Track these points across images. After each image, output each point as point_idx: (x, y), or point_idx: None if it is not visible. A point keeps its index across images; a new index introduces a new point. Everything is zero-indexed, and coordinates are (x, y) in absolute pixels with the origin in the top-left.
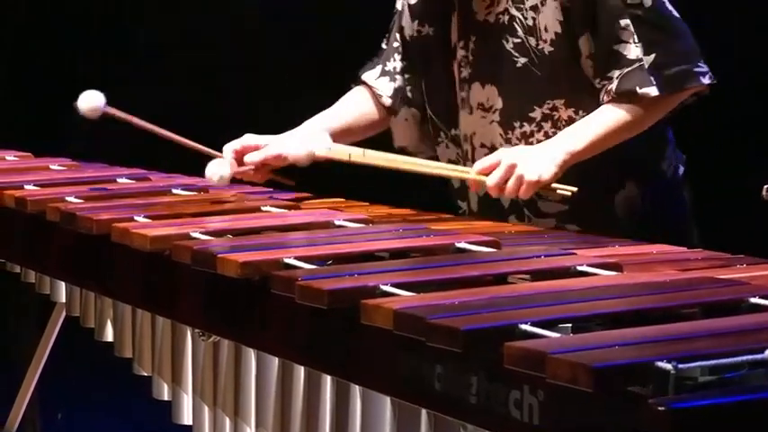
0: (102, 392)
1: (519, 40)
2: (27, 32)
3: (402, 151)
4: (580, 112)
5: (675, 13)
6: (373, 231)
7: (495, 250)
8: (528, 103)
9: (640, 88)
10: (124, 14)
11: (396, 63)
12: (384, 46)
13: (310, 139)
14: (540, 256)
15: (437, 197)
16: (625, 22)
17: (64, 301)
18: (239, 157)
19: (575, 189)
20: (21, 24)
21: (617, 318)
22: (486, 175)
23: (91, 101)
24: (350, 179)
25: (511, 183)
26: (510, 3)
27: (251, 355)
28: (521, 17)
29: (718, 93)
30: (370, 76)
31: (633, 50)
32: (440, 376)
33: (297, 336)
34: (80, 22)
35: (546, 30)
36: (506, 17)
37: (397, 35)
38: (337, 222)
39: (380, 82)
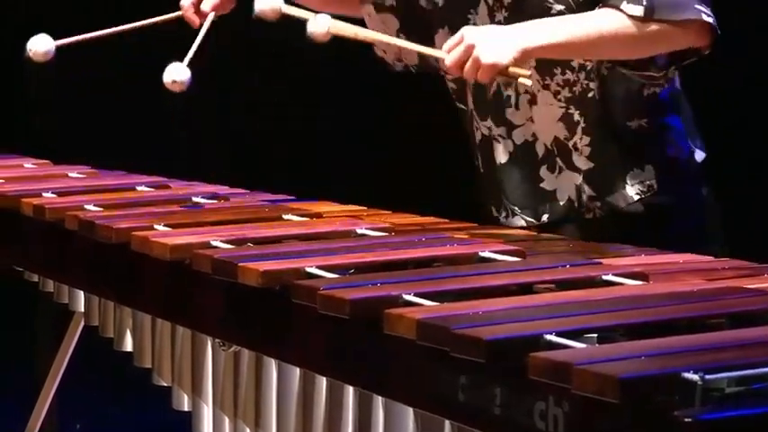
0: (121, 403)
1: None
2: None
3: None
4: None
5: None
6: (396, 240)
7: (519, 259)
8: None
9: (627, 2)
10: None
11: None
12: None
13: None
14: (565, 266)
15: (461, 205)
16: None
17: (82, 310)
18: (197, 7)
19: (529, 79)
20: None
21: (643, 328)
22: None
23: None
24: (371, 187)
25: (468, 65)
26: None
27: (272, 366)
28: None
29: (743, 87)
30: None
31: None
32: (464, 387)
33: (318, 346)
34: None
35: None
36: None
37: None
38: (359, 231)
39: None
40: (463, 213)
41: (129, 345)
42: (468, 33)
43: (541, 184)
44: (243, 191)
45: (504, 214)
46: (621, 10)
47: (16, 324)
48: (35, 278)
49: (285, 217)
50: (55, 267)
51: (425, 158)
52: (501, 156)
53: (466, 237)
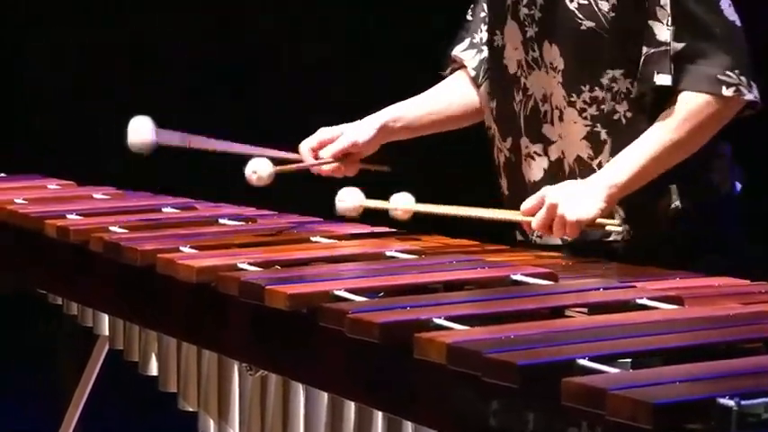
0: (146, 428)
1: (585, 2)
2: None
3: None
4: (634, 86)
5: (731, 17)
6: (426, 263)
7: (551, 283)
8: (595, 68)
9: (657, 73)
10: None
11: (483, 34)
12: (469, 17)
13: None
14: (598, 289)
15: (493, 228)
16: (665, 0)
17: (107, 333)
18: (316, 155)
19: (619, 227)
20: None
21: (678, 353)
22: (532, 215)
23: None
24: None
25: (555, 225)
26: None
27: (299, 390)
28: None
29: None
30: (459, 50)
31: (664, 32)
32: (495, 412)
33: (347, 370)
34: None
35: None
36: None
37: (484, 4)
38: (389, 253)
39: (467, 54)
40: (494, 236)
41: (154, 369)
42: (548, 194)
43: None
44: (270, 212)
45: (537, 233)
46: (655, 85)
47: (41, 348)
48: (59, 301)
49: (313, 239)
50: (79, 290)
51: (455, 179)
52: (536, 173)
53: (497, 259)
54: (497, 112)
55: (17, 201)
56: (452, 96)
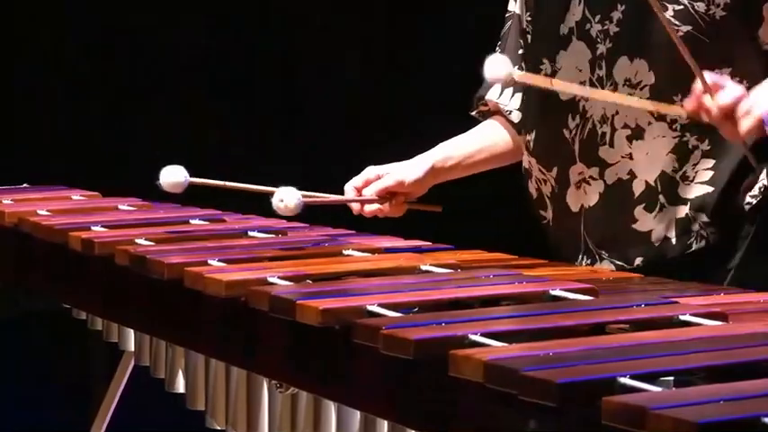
0: None
1: (681, 7)
2: None
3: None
4: (744, 83)
5: None
6: (462, 277)
7: (591, 298)
8: (688, 74)
9: None
10: None
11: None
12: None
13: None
14: (640, 305)
15: (530, 242)
16: None
17: (133, 349)
18: (360, 192)
19: None
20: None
21: (722, 371)
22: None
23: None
24: (436, 223)
25: (742, 111)
26: None
27: (331, 409)
28: None
29: None
30: (491, 94)
31: None
32: None
33: (380, 388)
34: None
35: None
36: None
37: (520, 40)
38: (424, 267)
39: (504, 96)
40: (532, 250)
41: (181, 386)
42: (729, 83)
43: (634, 225)
44: (301, 225)
45: (587, 261)
46: None
47: (68, 363)
48: (83, 315)
49: (345, 252)
50: (104, 305)
51: (491, 193)
52: (591, 198)
53: (535, 273)
54: (538, 143)
55: (40, 212)
56: (496, 135)
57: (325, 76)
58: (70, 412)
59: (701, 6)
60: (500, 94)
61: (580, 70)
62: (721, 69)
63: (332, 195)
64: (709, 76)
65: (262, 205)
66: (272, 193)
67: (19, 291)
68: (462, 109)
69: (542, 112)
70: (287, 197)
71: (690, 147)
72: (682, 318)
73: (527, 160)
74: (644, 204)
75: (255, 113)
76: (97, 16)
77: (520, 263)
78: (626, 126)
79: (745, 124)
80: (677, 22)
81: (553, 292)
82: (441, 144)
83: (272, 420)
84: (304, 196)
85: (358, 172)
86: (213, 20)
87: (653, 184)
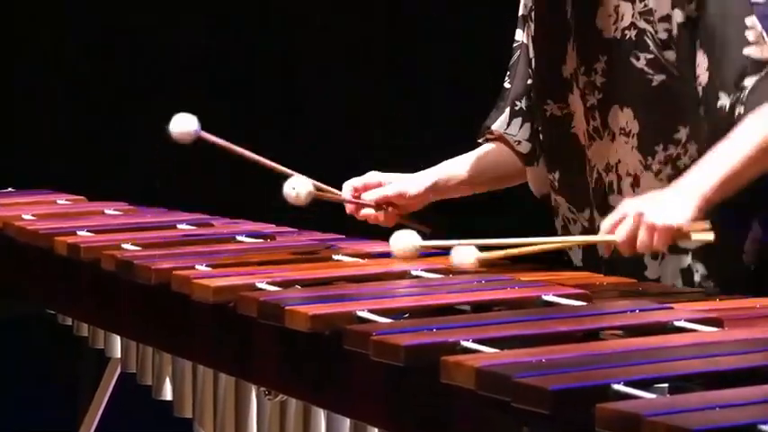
0: None
1: (652, 56)
2: None
3: (543, 198)
4: (696, 145)
5: None
6: (454, 282)
7: (585, 304)
8: (671, 123)
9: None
10: None
11: (529, 102)
12: (507, 85)
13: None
14: (633, 311)
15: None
16: (751, 20)
17: (119, 356)
18: (357, 195)
19: (711, 233)
20: None
21: (717, 377)
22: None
23: (184, 124)
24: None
25: (642, 234)
26: (637, 16)
27: (320, 416)
28: (651, 30)
29: None
30: (498, 124)
31: (765, 51)
32: None
33: (370, 395)
34: None
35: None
36: (634, 32)
37: (530, 70)
38: (414, 272)
39: (513, 126)
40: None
41: (168, 393)
42: (629, 205)
43: (645, 272)
44: (290, 229)
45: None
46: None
47: (55, 369)
48: (69, 321)
49: (335, 257)
50: (90, 310)
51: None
52: (601, 247)
53: (528, 279)
54: (563, 183)
55: (25, 217)
56: (500, 159)
57: (325, 76)
58: (70, 412)
59: (670, 55)
60: (507, 126)
61: (582, 119)
62: (679, 130)
63: (340, 192)
64: (604, 222)
65: (251, 208)
66: (282, 173)
67: (4, 296)
68: (462, 112)
69: (563, 151)
70: (299, 186)
71: None
72: (676, 323)
73: (554, 198)
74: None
75: (256, 113)
76: (97, 16)
77: (512, 267)
78: (628, 174)
79: (654, 242)
80: (651, 72)
81: (546, 298)
82: (445, 162)
83: (260, 428)
84: (315, 188)
85: (357, 172)
86: (213, 20)
87: None
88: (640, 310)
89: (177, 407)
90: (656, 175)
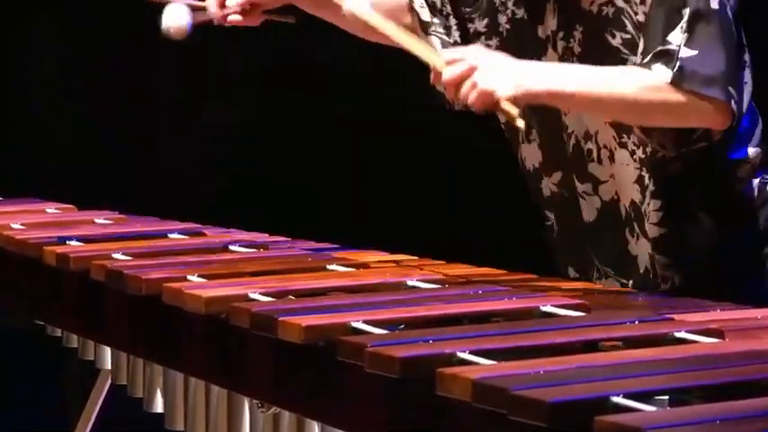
0: None
1: (629, 36)
2: None
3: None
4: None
5: (736, 38)
6: (450, 293)
7: (583, 314)
8: None
9: (659, 64)
10: None
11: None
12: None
13: None
14: (633, 322)
15: (521, 256)
16: (686, 11)
17: (109, 368)
18: (222, 3)
19: (522, 124)
20: None
21: (718, 390)
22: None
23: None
24: (424, 235)
25: (465, 85)
26: None
27: (314, 429)
28: (630, 11)
29: None
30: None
31: (678, 36)
32: None
33: (365, 407)
34: None
35: None
36: (611, 9)
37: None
38: (410, 283)
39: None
40: (523, 265)
41: (159, 405)
42: (474, 53)
43: (628, 247)
44: (283, 239)
45: (596, 275)
46: (648, 70)
47: (45, 382)
48: (58, 332)
49: (329, 267)
50: (80, 321)
51: (480, 204)
52: (587, 214)
53: (526, 289)
54: (540, 145)
55: (14, 226)
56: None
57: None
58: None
59: None
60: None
61: None
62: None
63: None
64: (448, 53)
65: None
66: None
67: None
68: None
69: (539, 113)
70: (171, 23)
71: (645, 183)
72: (677, 335)
73: (536, 160)
74: (628, 228)
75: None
76: (97, 16)
77: (509, 278)
78: (605, 147)
79: (470, 97)
80: (626, 51)
81: (544, 309)
82: None
83: None
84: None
85: None
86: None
87: (629, 209)
88: (640, 321)
89: (169, 419)
90: (632, 155)
